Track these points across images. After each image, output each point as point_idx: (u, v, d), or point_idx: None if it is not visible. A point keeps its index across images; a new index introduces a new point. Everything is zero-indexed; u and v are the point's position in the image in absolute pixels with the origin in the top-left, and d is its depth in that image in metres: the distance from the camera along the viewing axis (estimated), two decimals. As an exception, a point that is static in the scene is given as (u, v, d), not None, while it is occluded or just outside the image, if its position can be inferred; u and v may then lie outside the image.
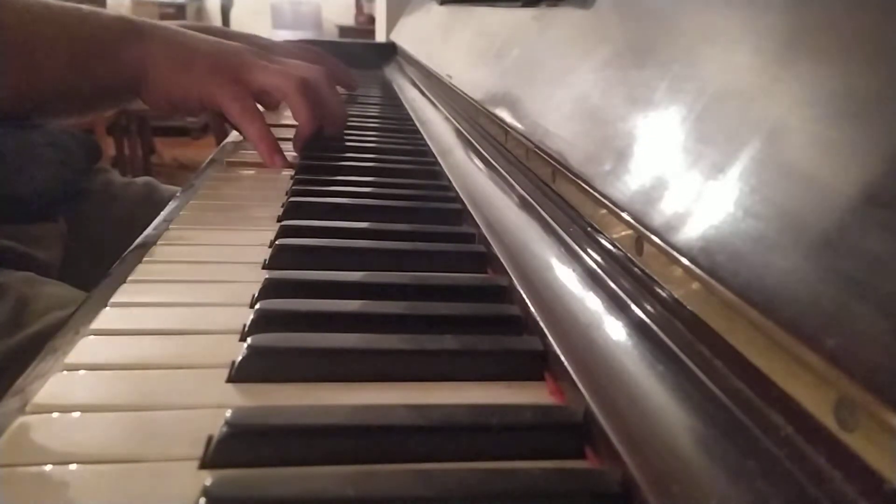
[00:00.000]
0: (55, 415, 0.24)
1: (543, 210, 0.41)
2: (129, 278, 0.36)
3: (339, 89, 0.91)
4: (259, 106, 0.65)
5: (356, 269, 0.38)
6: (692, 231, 0.25)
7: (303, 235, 0.43)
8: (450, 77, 0.76)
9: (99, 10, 0.58)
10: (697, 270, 0.23)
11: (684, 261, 0.24)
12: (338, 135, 0.71)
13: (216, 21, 4.76)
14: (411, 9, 1.41)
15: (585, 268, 0.33)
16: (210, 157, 0.67)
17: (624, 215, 0.30)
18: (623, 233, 0.30)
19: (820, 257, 0.19)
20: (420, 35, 1.17)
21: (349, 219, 0.47)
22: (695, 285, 0.24)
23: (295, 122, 0.65)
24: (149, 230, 0.44)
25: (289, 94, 0.62)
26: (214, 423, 0.24)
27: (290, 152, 0.65)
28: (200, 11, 4.91)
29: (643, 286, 0.28)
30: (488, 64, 0.65)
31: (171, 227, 0.45)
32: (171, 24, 0.65)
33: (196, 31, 0.81)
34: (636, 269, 0.29)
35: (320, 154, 0.66)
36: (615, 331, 0.28)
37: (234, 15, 4.64)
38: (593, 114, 0.38)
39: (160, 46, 0.58)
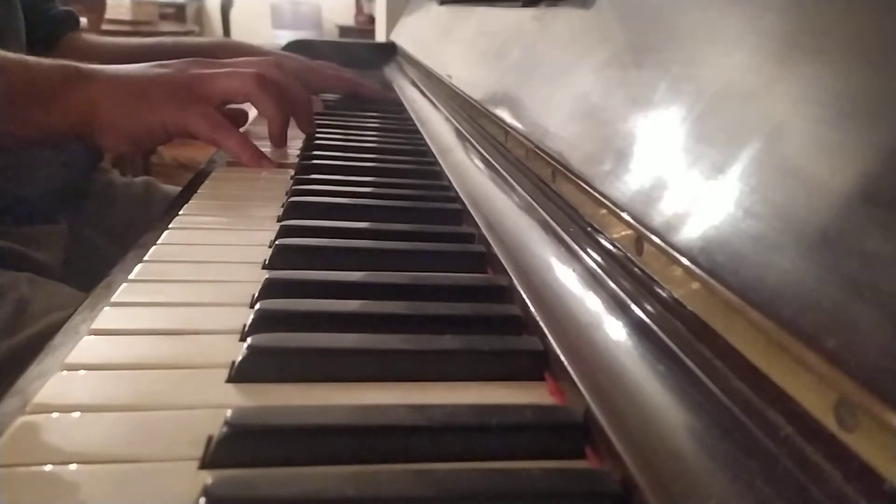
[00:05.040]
0: (55, 415, 0.24)
1: (543, 210, 0.41)
2: (129, 278, 0.36)
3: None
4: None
5: (356, 269, 0.38)
6: (692, 231, 0.25)
7: (303, 235, 0.43)
8: (450, 77, 0.75)
9: (42, 59, 0.57)
10: (697, 270, 0.23)
11: (684, 261, 0.24)
12: (308, 129, 0.71)
13: (216, 21, 4.76)
14: (411, 9, 1.41)
15: (585, 268, 0.33)
16: (210, 157, 0.67)
17: (624, 215, 0.30)
18: (623, 233, 0.30)
19: (820, 257, 0.19)
20: (420, 35, 1.17)
21: (349, 219, 0.46)
22: (695, 285, 0.24)
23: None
24: (148, 230, 0.44)
25: (250, 93, 0.62)
26: (214, 423, 0.24)
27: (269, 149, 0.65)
28: (200, 11, 4.91)
29: (643, 286, 0.28)
30: (488, 64, 0.65)
31: (170, 227, 0.45)
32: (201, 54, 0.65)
33: (214, 48, 0.82)
34: (636, 269, 0.29)
35: (320, 154, 0.66)
36: (615, 331, 0.28)
37: (234, 15, 4.63)
38: (593, 114, 0.38)
39: (106, 87, 0.57)
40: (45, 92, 0.56)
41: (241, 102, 0.63)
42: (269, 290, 0.35)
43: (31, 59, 0.57)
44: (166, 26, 3.81)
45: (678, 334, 0.25)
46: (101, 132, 0.58)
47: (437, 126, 0.76)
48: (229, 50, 0.87)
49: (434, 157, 0.66)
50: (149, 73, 0.60)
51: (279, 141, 0.67)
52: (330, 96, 0.98)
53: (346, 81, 0.97)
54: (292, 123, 0.69)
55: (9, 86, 0.54)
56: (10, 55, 0.56)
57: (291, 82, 0.68)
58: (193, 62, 0.62)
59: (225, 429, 0.23)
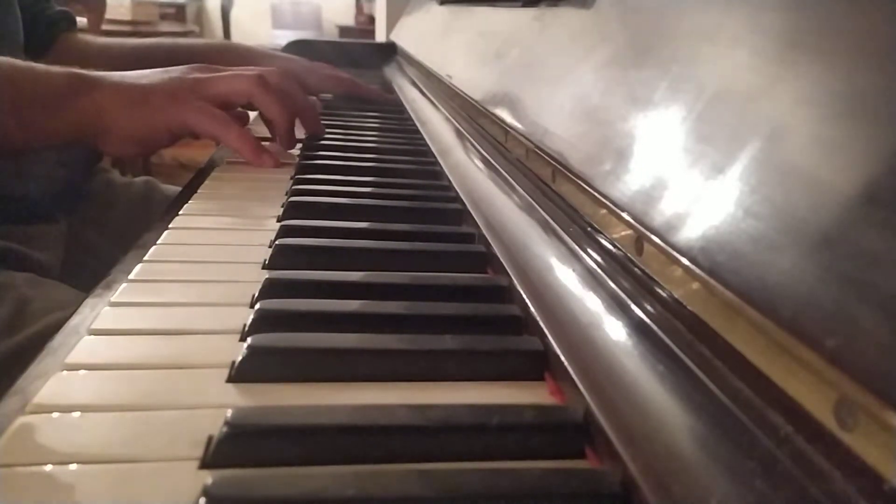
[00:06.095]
0: (55, 415, 0.24)
1: (543, 210, 0.41)
2: (129, 278, 0.36)
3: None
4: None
5: (356, 269, 0.38)
6: (692, 231, 0.25)
7: (303, 235, 0.43)
8: (450, 77, 0.75)
9: (49, 67, 0.58)
10: (697, 270, 0.23)
11: (684, 261, 0.24)
12: (316, 128, 0.71)
13: (216, 22, 4.76)
14: (411, 9, 1.41)
15: (585, 268, 0.33)
16: (210, 156, 0.67)
17: (624, 215, 0.30)
18: (623, 233, 0.30)
19: (820, 257, 0.19)
20: (420, 35, 1.17)
21: (349, 219, 0.46)
22: (695, 285, 0.24)
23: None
24: (149, 230, 0.44)
25: (251, 93, 0.62)
26: (214, 423, 0.24)
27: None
28: (200, 11, 4.91)
29: (643, 286, 0.28)
30: (488, 64, 0.65)
31: (170, 227, 0.45)
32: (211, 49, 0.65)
33: (221, 50, 0.82)
34: (636, 269, 0.29)
35: (320, 154, 0.66)
36: (615, 331, 0.28)
37: (234, 15, 4.63)
38: (593, 114, 0.38)
39: (110, 93, 0.58)
40: (52, 99, 0.56)
41: (243, 103, 0.64)
42: (269, 290, 0.35)
43: (39, 66, 0.58)
44: (166, 26, 3.81)
45: (678, 334, 0.25)
46: (105, 137, 0.59)
47: (437, 126, 0.76)
48: (227, 52, 0.87)
49: (434, 157, 0.66)
50: (151, 78, 0.60)
51: (287, 142, 0.67)
52: (329, 96, 0.98)
53: (343, 82, 0.98)
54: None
55: (18, 94, 0.55)
56: (19, 63, 0.57)
57: (292, 85, 0.68)
58: (196, 68, 0.63)
59: (225, 429, 0.23)
